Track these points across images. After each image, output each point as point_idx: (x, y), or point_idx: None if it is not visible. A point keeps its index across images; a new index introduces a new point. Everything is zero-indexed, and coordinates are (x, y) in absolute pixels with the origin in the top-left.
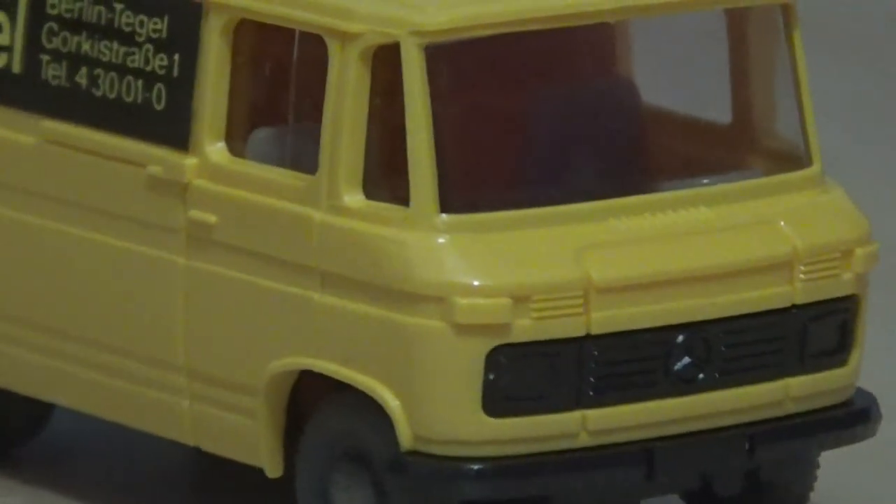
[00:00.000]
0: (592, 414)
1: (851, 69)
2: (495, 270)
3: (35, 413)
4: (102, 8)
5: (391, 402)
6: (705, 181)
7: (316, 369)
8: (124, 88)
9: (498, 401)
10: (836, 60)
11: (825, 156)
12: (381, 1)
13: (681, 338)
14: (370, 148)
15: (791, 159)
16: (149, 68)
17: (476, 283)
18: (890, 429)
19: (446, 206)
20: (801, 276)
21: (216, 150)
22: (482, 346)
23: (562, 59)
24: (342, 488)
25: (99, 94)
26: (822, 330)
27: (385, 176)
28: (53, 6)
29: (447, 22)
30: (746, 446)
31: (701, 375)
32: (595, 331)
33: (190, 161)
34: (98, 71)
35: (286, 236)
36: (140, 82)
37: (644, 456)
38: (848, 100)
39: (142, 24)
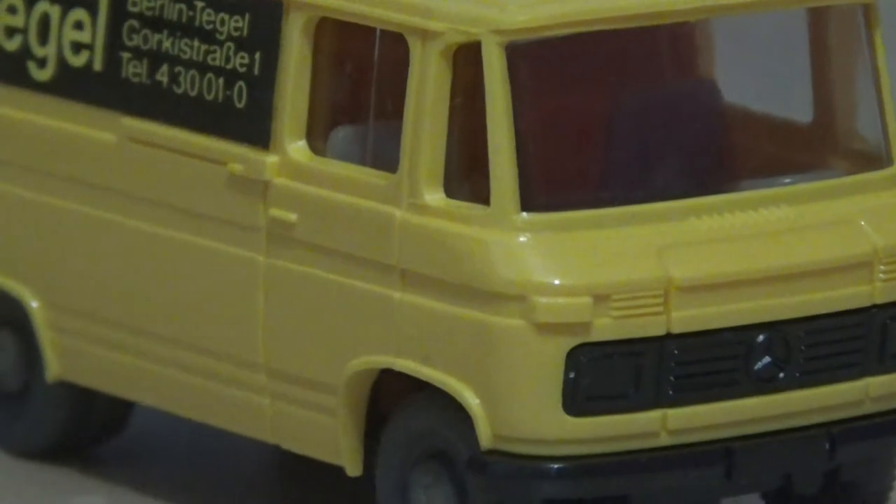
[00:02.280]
0: (672, 413)
1: None
2: (576, 269)
3: (116, 412)
4: (183, 6)
5: (471, 400)
6: (786, 180)
7: (396, 368)
8: (205, 86)
9: (578, 400)
10: None
11: None
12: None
13: (761, 337)
14: (451, 146)
15: (871, 159)
16: (230, 66)
17: (556, 282)
18: None
19: (527, 204)
20: (881, 275)
21: (297, 149)
22: (562, 345)
23: (643, 58)
24: (422, 487)
25: (179, 91)
26: None
27: (466, 174)
28: (134, 4)
29: (528, 21)
30: (826, 446)
31: (781, 375)
32: (675, 330)
33: (271, 159)
34: (179, 69)
35: (367, 235)
36: (221, 80)
37: (724, 455)
38: None
39: (223, 22)
